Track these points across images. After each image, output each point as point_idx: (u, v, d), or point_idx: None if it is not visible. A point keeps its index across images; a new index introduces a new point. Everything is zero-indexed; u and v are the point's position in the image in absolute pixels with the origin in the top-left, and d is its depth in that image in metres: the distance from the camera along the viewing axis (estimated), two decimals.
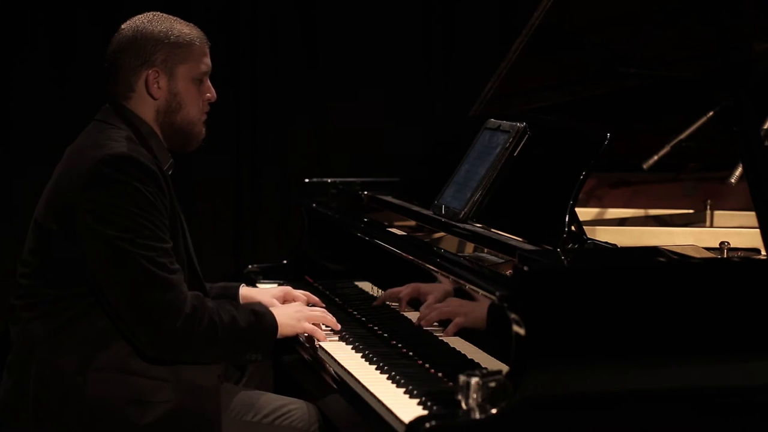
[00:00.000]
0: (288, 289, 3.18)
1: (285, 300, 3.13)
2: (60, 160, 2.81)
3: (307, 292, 3.19)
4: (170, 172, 2.85)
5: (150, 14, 2.86)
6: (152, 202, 2.64)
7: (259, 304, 2.91)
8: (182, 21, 2.87)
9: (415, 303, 2.96)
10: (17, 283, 2.76)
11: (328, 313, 3.01)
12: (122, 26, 2.85)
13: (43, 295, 2.70)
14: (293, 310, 2.93)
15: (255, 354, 2.83)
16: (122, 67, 2.81)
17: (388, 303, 3.10)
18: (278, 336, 2.85)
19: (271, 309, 2.88)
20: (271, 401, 2.88)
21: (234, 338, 2.74)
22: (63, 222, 2.67)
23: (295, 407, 2.87)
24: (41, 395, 2.65)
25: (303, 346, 2.96)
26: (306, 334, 2.94)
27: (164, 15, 2.87)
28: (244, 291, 3.14)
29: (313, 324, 2.93)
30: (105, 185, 2.63)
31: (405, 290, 2.99)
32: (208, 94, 2.90)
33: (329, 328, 2.99)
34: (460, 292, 2.69)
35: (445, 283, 2.75)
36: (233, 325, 2.72)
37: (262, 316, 2.82)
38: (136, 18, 2.85)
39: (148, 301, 2.62)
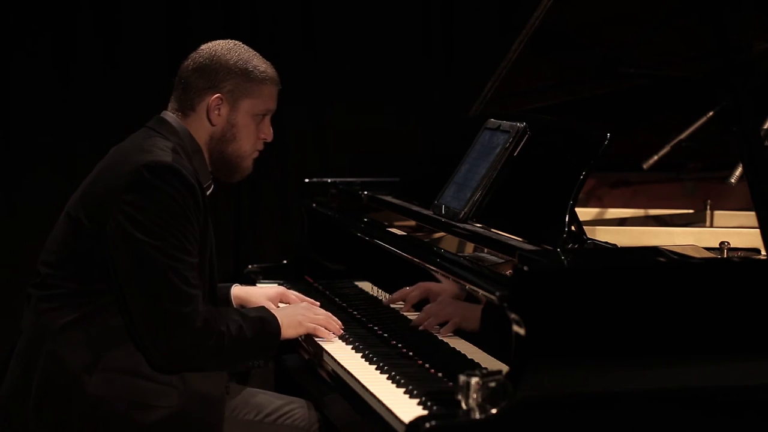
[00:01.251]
0: (283, 290, 3.18)
1: (280, 302, 3.13)
2: (103, 157, 2.82)
3: (301, 294, 3.18)
4: (208, 193, 2.87)
5: (232, 42, 2.89)
6: (186, 215, 2.65)
7: (265, 309, 2.90)
8: (261, 57, 2.90)
9: (419, 305, 2.95)
10: (36, 271, 2.77)
11: (333, 317, 3.00)
12: (202, 46, 2.88)
13: (62, 288, 2.70)
14: (297, 312, 2.93)
15: (258, 361, 2.83)
16: (190, 86, 2.83)
17: (391, 304, 3.10)
18: (282, 338, 2.86)
19: (275, 312, 2.88)
20: (273, 400, 2.88)
21: (239, 348, 2.74)
22: (95, 219, 2.68)
23: (297, 406, 2.87)
24: (45, 389, 2.66)
25: (305, 348, 2.96)
26: (307, 334, 2.94)
27: (245, 47, 2.89)
28: (237, 291, 3.13)
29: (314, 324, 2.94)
30: (143, 190, 2.63)
31: (414, 292, 2.98)
32: (264, 134, 2.91)
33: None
34: (465, 297, 2.69)
35: (452, 286, 2.74)
36: (240, 336, 2.72)
37: (267, 323, 2.82)
38: (217, 42, 2.88)
39: (164, 312, 2.62)
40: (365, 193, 3.63)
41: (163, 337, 2.64)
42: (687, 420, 2.36)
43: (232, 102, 2.83)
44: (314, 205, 3.77)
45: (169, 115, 2.85)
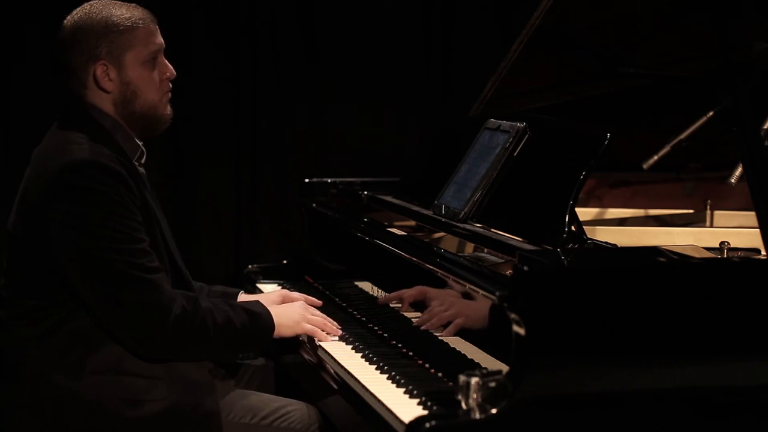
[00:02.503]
0: (285, 292, 3.18)
1: (283, 303, 3.13)
2: (28, 165, 2.77)
3: (305, 295, 3.18)
4: (143, 160, 2.82)
5: (87, 5, 2.78)
6: (121, 203, 2.61)
7: (257, 303, 2.89)
8: (122, 3, 2.78)
9: (418, 305, 2.95)
10: None
11: (329, 319, 3.00)
12: (64, 21, 2.78)
13: (24, 306, 2.67)
14: (293, 311, 2.92)
15: (248, 354, 2.83)
16: (69, 66, 2.75)
17: (390, 304, 3.10)
18: (275, 336, 2.85)
19: (271, 308, 2.87)
20: (269, 403, 2.86)
21: (227, 339, 2.73)
22: (34, 232, 2.64)
23: (294, 408, 2.85)
24: (35, 404, 2.64)
25: (305, 348, 2.96)
26: (307, 335, 2.94)
27: (102, 2, 2.78)
28: (243, 299, 3.13)
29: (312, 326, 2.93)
30: (69, 194, 2.59)
31: (410, 293, 2.99)
32: (166, 74, 2.82)
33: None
34: (465, 297, 2.69)
35: (449, 289, 2.74)
36: (227, 326, 2.71)
37: (258, 316, 2.81)
38: (74, 12, 2.78)
39: (132, 305, 2.60)
40: (365, 193, 3.64)
41: (142, 330, 2.62)
42: (687, 420, 2.36)
43: (116, 62, 2.73)
44: (314, 205, 3.77)
45: (74, 101, 2.77)
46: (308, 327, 2.90)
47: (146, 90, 2.77)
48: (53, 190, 2.60)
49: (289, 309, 2.93)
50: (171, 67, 2.83)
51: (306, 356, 2.96)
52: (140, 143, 2.82)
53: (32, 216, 2.65)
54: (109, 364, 2.64)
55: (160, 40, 2.81)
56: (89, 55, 2.73)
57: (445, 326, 2.75)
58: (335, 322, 2.99)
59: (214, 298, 2.91)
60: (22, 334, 2.67)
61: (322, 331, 2.94)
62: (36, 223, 2.64)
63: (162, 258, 2.73)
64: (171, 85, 2.85)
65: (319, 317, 2.97)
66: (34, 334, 2.65)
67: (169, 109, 2.84)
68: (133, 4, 2.80)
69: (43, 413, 2.64)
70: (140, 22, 2.76)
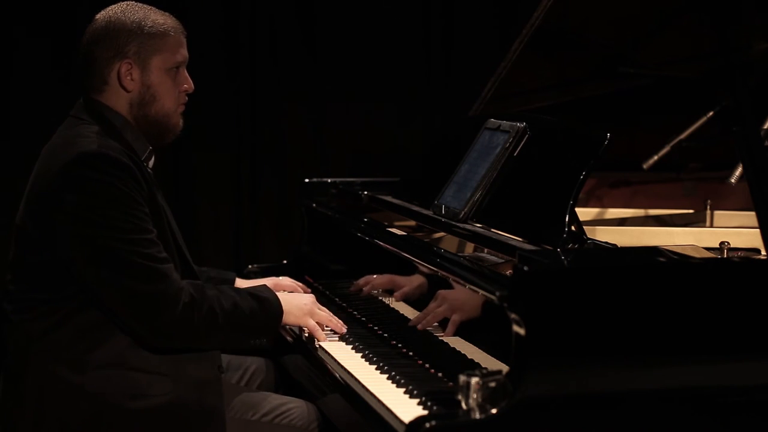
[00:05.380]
0: (276, 279, 3.21)
1: (274, 290, 3.16)
2: (37, 160, 2.78)
3: (294, 281, 3.22)
4: (151, 161, 2.83)
5: (123, 4, 2.82)
6: (128, 194, 2.62)
7: (264, 287, 2.89)
8: (157, 10, 2.82)
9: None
10: (6, 288, 2.74)
11: (335, 317, 3.00)
12: (96, 17, 2.81)
13: (31, 300, 2.68)
14: (303, 302, 2.93)
15: (259, 339, 2.83)
16: (95, 60, 2.77)
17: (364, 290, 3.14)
18: (282, 323, 2.86)
19: (280, 295, 2.88)
20: (271, 400, 2.88)
21: (236, 325, 2.73)
22: (42, 226, 2.65)
23: (295, 406, 2.86)
24: (39, 396, 2.65)
25: (305, 347, 2.96)
26: (308, 333, 2.95)
27: (138, 4, 2.82)
28: (238, 284, 3.17)
29: (317, 323, 2.94)
30: (78, 186, 2.61)
31: (378, 280, 3.06)
32: (184, 86, 2.85)
33: (329, 329, 2.99)
34: (441, 285, 2.69)
35: (419, 275, 2.74)
36: (235, 312, 2.72)
37: (266, 301, 2.81)
38: (109, 8, 2.81)
39: (141, 295, 2.61)
40: (365, 193, 3.63)
41: (151, 319, 2.63)
42: (687, 420, 2.36)
43: (142, 63, 2.77)
44: (314, 205, 3.77)
45: (88, 98, 2.80)
46: (312, 324, 2.91)
47: (164, 96, 2.81)
48: (61, 182, 2.62)
49: (298, 299, 2.94)
50: (190, 80, 2.87)
51: (306, 356, 2.96)
52: (149, 145, 2.84)
53: (41, 209, 2.66)
54: (114, 358, 2.65)
55: (186, 52, 2.85)
56: (117, 51, 2.76)
57: (443, 324, 2.75)
58: (341, 321, 3.00)
59: (220, 285, 2.91)
60: (28, 328, 2.68)
61: (327, 327, 2.95)
62: (44, 216, 2.65)
63: (170, 250, 2.74)
64: (187, 98, 2.88)
65: (325, 313, 2.98)
66: (40, 329, 2.66)
67: (180, 121, 2.87)
68: (167, 13, 2.84)
69: (47, 407, 2.64)
70: (172, 30, 2.81)
